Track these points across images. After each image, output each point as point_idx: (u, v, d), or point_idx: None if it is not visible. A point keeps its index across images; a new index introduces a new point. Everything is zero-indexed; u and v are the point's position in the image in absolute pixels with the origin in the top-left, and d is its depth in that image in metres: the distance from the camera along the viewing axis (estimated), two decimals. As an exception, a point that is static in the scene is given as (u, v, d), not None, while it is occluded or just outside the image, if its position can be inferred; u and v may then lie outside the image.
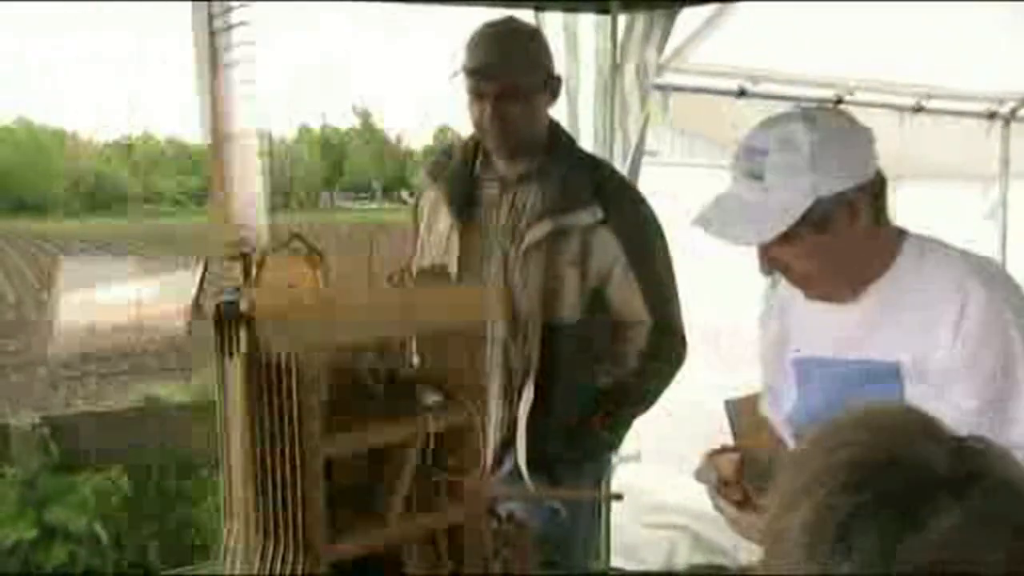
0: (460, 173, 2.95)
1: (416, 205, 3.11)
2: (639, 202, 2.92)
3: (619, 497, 2.92)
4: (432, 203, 3.00)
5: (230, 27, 1.88)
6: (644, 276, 2.84)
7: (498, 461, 2.90)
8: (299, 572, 1.89)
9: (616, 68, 4.06)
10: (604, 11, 4.01)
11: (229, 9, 1.98)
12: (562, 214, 2.78)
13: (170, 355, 13.29)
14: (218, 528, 2.09)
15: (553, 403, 2.82)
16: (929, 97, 5.21)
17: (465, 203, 2.91)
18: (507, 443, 2.89)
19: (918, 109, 5.22)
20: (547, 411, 2.80)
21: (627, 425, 3.02)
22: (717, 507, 2.07)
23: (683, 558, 5.05)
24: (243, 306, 1.87)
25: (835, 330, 2.04)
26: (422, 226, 3.04)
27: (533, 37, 2.91)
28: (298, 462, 1.87)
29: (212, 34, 1.92)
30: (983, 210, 5.96)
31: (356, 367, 2.08)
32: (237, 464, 1.99)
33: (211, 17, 1.95)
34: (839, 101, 4.92)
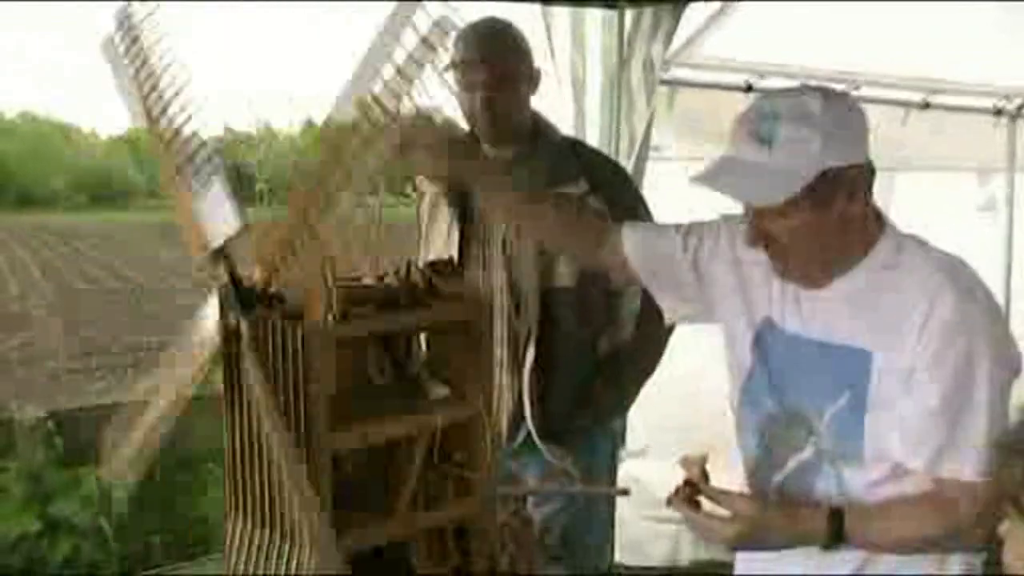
0: None
1: (418, 205, 3.29)
2: (619, 172, 3.23)
3: (626, 492, 2.94)
4: (433, 198, 3.19)
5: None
6: None
7: (511, 432, 3.06)
8: (303, 567, 1.89)
9: (622, 63, 4.05)
10: (611, 6, 4.01)
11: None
12: (551, 188, 2.89)
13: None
14: (223, 521, 2.08)
15: (557, 369, 3.01)
16: (935, 92, 5.19)
17: (461, 193, 3.08)
18: (518, 414, 3.03)
19: (925, 105, 5.20)
20: (552, 378, 2.99)
21: (632, 389, 3.19)
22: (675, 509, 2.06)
23: (687, 554, 5.05)
24: (248, 298, 1.87)
25: (805, 310, 2.05)
26: (424, 224, 3.25)
27: (515, 33, 3.10)
28: (304, 456, 1.87)
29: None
30: (978, 202, 5.96)
31: (361, 361, 2.08)
32: (241, 458, 1.99)
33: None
34: (845, 97, 4.91)
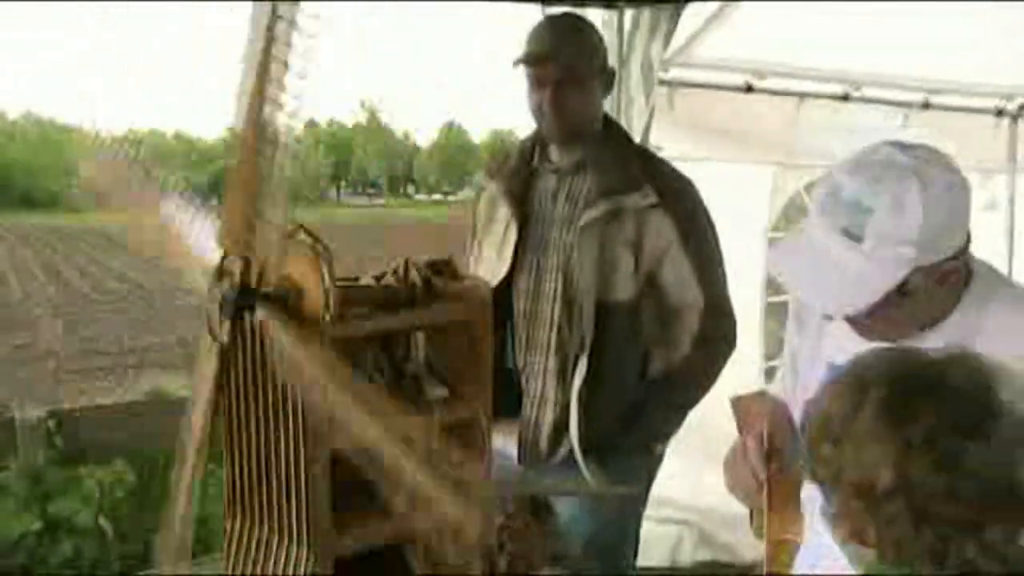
0: (518, 168, 3.07)
1: (475, 204, 3.23)
2: (689, 186, 3.00)
3: (633, 493, 2.91)
4: (490, 199, 3.12)
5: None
6: (697, 258, 2.90)
7: (552, 448, 2.96)
8: (302, 567, 1.89)
9: (621, 63, 4.05)
10: (610, 6, 4.01)
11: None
12: (617, 195, 2.86)
13: (176, 349, 13.30)
14: (222, 522, 2.08)
15: (606, 386, 2.87)
16: (935, 92, 5.18)
17: (523, 195, 3.02)
18: (561, 427, 2.93)
19: (925, 106, 5.20)
20: (600, 395, 2.86)
21: (681, 414, 3.05)
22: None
23: (687, 554, 5.05)
24: (248, 300, 1.86)
25: None
26: (479, 224, 3.16)
27: (590, 30, 3.02)
28: (303, 456, 1.87)
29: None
30: (981, 200, 5.95)
31: (359, 361, 2.08)
32: (240, 458, 1.99)
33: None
34: (846, 97, 4.91)
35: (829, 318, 1.90)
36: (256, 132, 1.75)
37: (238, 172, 1.82)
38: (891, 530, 1.40)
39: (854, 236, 1.72)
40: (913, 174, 1.72)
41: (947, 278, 1.79)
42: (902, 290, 1.75)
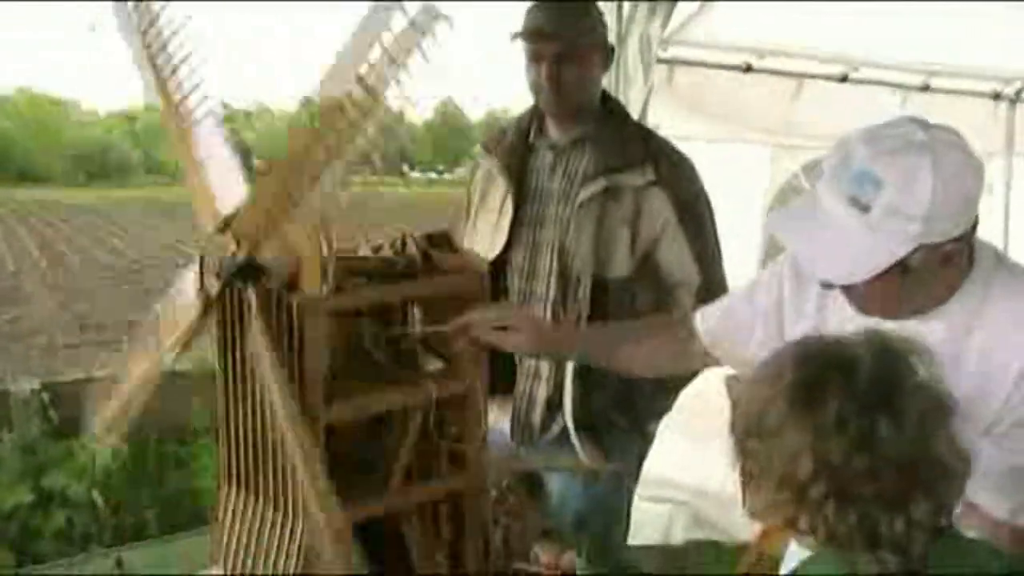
0: (515, 143, 3.05)
1: (471, 179, 3.20)
2: (688, 164, 2.97)
3: (621, 472, 2.91)
4: (486, 174, 3.10)
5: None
6: (694, 236, 2.88)
7: (545, 425, 2.96)
8: (297, 539, 1.89)
9: (620, 41, 4.03)
10: (610, -16, 3.99)
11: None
12: (615, 173, 2.84)
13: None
14: (216, 495, 2.08)
15: None
16: (934, 75, 5.18)
17: (520, 170, 3.00)
18: (554, 405, 2.92)
19: (924, 88, 5.19)
20: (594, 373, 2.80)
21: (676, 391, 3.03)
22: None
23: (680, 534, 5.06)
24: (245, 270, 1.86)
25: None
26: (475, 199, 3.14)
27: (589, 6, 2.98)
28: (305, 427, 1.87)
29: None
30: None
31: (357, 333, 2.08)
32: (235, 430, 1.99)
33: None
34: (844, 78, 4.91)
35: (828, 286, 1.88)
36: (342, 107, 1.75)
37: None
38: (819, 515, 1.41)
39: (861, 206, 1.71)
40: (929, 152, 1.70)
41: (950, 259, 1.78)
42: (903, 266, 1.74)
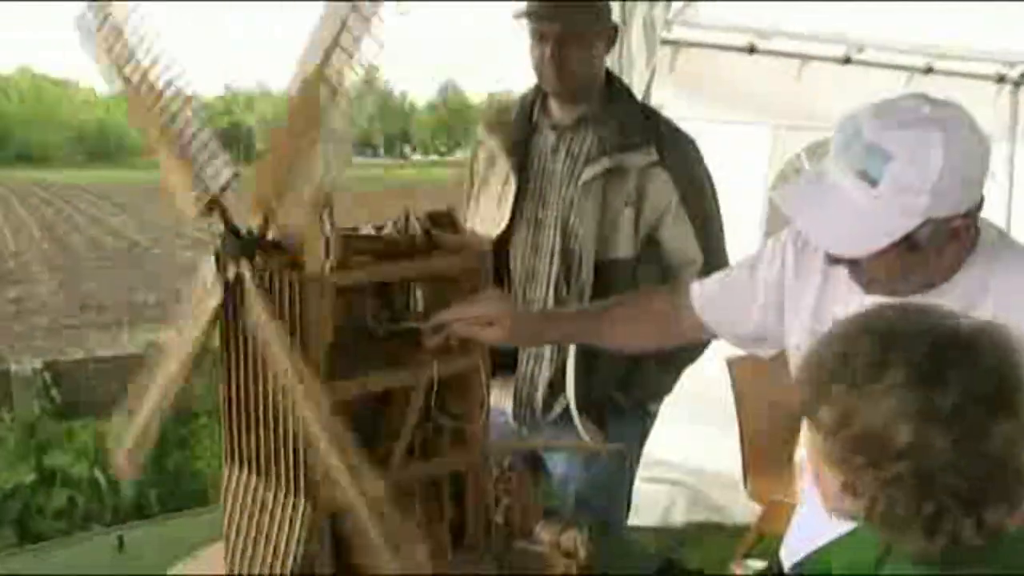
0: (518, 123, 3.04)
1: (473, 158, 3.19)
2: (691, 145, 2.97)
3: (622, 452, 2.91)
4: (488, 154, 3.09)
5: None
6: (697, 217, 2.89)
7: (547, 405, 2.96)
8: (299, 517, 1.90)
9: (624, 23, 4.02)
10: (613, -36, 3.97)
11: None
12: (618, 153, 2.83)
13: (171, 302, 13.29)
14: (218, 474, 2.09)
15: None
16: (938, 57, 5.16)
17: (522, 151, 2.99)
18: (556, 386, 2.92)
19: (928, 70, 5.17)
20: (598, 354, 2.80)
21: (677, 373, 3.03)
22: None
23: (680, 515, 5.07)
24: (247, 244, 1.86)
25: None
26: (477, 178, 3.13)
27: None
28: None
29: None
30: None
31: (359, 310, 2.07)
32: (238, 409, 1.99)
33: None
34: (848, 60, 4.89)
35: (834, 261, 1.87)
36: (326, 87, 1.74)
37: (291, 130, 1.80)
38: (890, 491, 1.36)
39: (870, 179, 1.71)
40: (938, 126, 1.70)
41: (957, 234, 1.77)
42: (911, 242, 1.74)
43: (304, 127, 1.77)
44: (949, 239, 1.77)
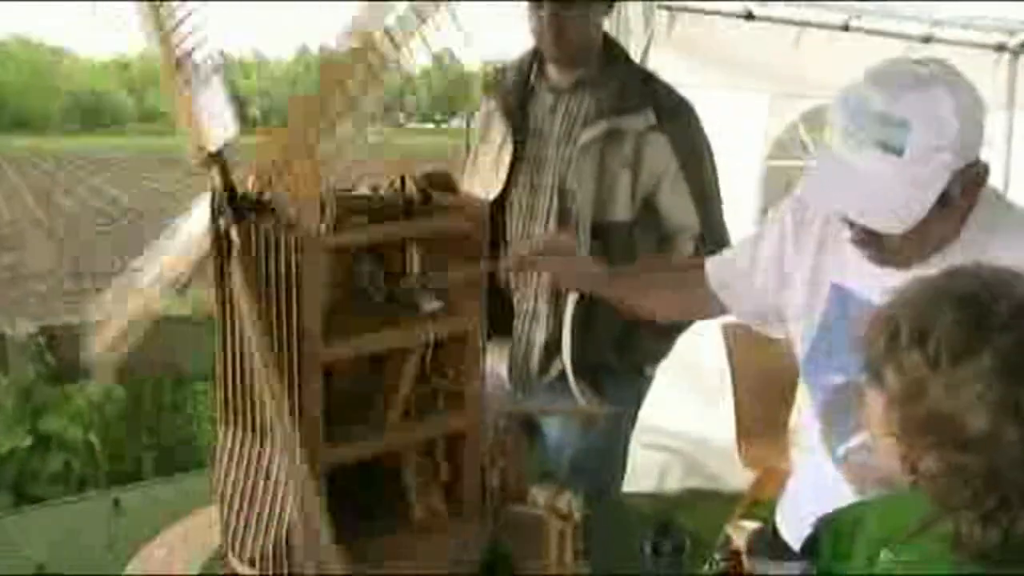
0: (515, 85, 3.02)
1: (469, 119, 3.21)
2: (689, 110, 2.95)
3: (620, 416, 2.91)
4: (486, 116, 3.08)
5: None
6: (695, 182, 2.88)
7: (543, 368, 2.96)
8: (295, 477, 1.89)
9: (621, -13, 4.00)
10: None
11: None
12: (616, 116, 2.82)
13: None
14: (214, 439, 2.08)
15: (599, 308, 2.77)
16: (937, 25, 5.13)
17: (520, 113, 2.98)
18: (552, 348, 2.92)
19: (927, 39, 5.15)
20: (595, 316, 2.81)
21: (675, 337, 3.03)
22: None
23: (675, 482, 5.09)
24: (241, 204, 1.85)
25: (887, 283, 1.66)
26: (474, 140, 3.13)
27: None
28: (296, 367, 1.87)
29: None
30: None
31: (355, 272, 2.07)
32: (233, 369, 1.99)
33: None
34: (846, 27, 4.87)
35: (861, 241, 1.84)
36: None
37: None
38: (954, 479, 1.31)
39: (895, 149, 1.69)
40: (941, 83, 1.71)
41: (979, 179, 1.77)
42: (944, 198, 1.73)
43: (335, 99, 1.76)
44: (966, 192, 1.77)
